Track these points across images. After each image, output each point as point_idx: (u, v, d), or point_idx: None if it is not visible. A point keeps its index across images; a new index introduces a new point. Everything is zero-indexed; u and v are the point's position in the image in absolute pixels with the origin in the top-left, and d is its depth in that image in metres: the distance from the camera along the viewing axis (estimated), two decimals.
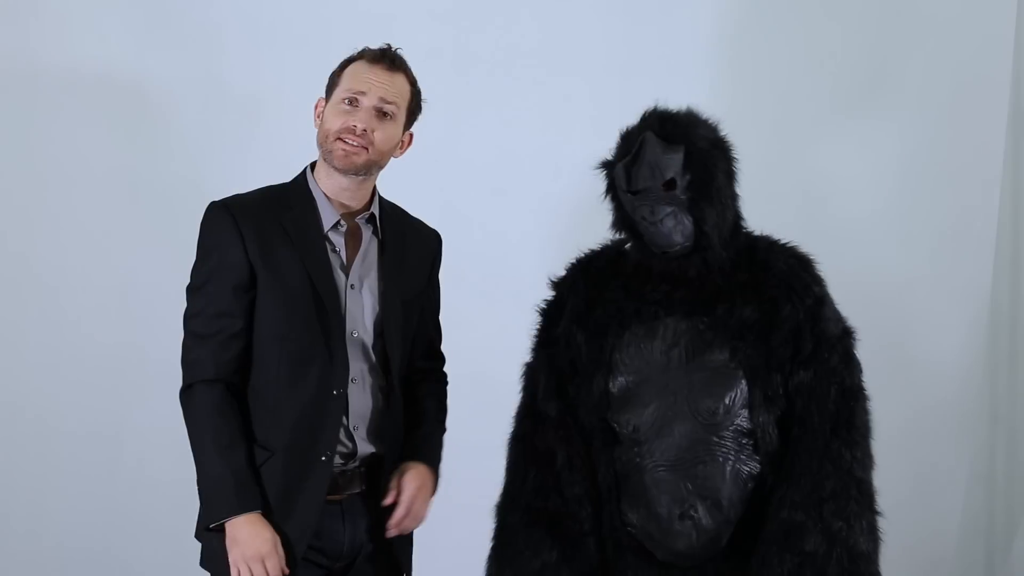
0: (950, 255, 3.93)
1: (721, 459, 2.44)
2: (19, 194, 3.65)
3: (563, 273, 2.72)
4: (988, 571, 3.98)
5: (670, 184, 2.48)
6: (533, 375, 2.67)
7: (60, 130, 3.65)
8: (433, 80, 3.49)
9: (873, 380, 3.89)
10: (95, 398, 3.67)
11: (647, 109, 2.59)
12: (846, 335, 2.55)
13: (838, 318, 2.56)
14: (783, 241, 2.62)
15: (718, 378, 2.47)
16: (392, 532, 2.55)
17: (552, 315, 2.67)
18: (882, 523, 2.58)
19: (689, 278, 2.52)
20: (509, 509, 2.64)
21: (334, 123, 2.50)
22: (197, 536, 2.54)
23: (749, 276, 2.51)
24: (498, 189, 3.80)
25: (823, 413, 2.45)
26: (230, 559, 2.43)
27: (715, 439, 2.45)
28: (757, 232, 2.64)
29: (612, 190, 2.58)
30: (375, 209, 2.59)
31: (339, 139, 2.49)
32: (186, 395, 2.50)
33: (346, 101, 2.51)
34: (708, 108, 3.85)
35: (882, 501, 3.93)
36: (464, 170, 3.79)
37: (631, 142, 2.53)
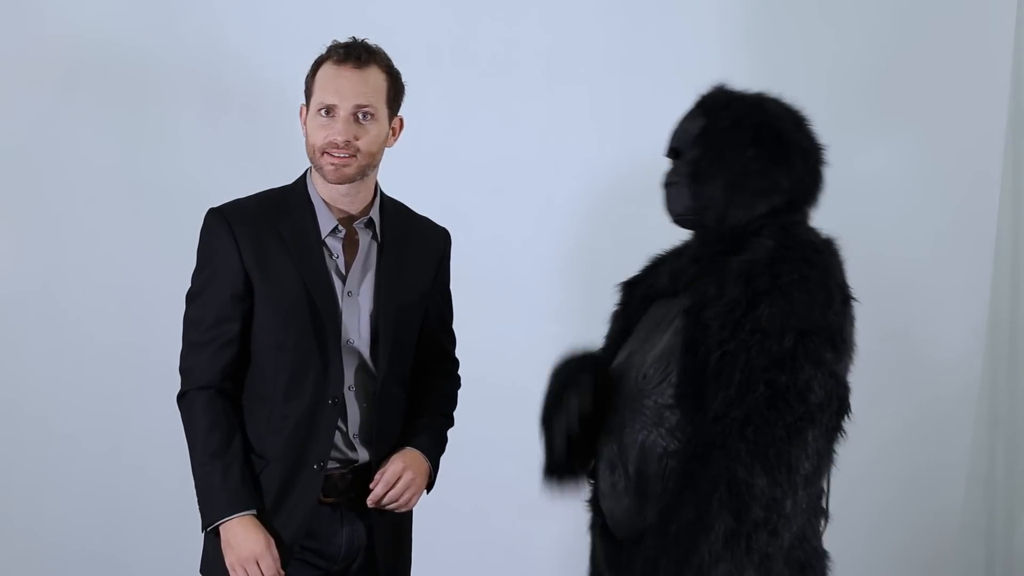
0: (950, 255, 3.93)
1: (638, 427, 2.39)
2: (18, 193, 3.65)
3: None
4: (988, 571, 3.98)
5: (673, 153, 2.50)
6: None
7: (59, 128, 3.64)
8: (433, 80, 3.50)
9: (873, 379, 3.89)
10: (95, 399, 3.66)
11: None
12: (803, 338, 2.26)
13: (793, 316, 2.28)
14: (803, 239, 2.47)
15: (656, 347, 2.43)
16: (370, 505, 2.51)
17: None
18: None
19: (689, 252, 2.50)
20: None
21: (317, 137, 2.47)
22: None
23: (724, 262, 2.39)
24: (498, 189, 3.80)
25: (716, 399, 2.27)
26: (226, 563, 2.43)
27: (638, 406, 2.40)
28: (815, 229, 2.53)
29: None
30: (374, 213, 2.56)
31: (325, 153, 2.46)
32: (181, 402, 2.51)
33: (322, 112, 2.47)
34: None
35: (882, 500, 3.96)
36: (464, 170, 3.78)
37: None
